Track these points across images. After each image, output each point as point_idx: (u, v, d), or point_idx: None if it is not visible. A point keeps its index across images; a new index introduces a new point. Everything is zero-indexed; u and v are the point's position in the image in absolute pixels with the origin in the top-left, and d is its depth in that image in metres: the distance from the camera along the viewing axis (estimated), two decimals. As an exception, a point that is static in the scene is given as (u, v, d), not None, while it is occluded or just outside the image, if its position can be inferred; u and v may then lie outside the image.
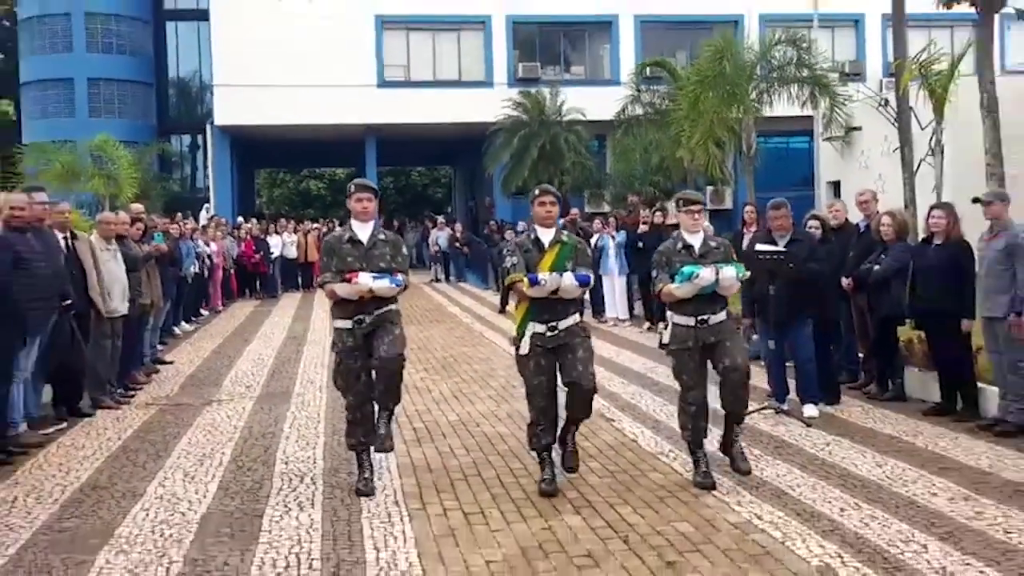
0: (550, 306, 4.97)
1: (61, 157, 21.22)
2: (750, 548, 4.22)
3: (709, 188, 21.78)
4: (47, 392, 7.30)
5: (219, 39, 25.07)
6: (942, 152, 14.14)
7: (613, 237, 13.13)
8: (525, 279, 4.91)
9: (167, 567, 4.13)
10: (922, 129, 14.48)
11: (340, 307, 5.07)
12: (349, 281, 4.93)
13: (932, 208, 7.08)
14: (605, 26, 26.60)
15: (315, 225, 23.63)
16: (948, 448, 5.90)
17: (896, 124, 14.81)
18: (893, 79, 15.60)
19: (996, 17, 15.01)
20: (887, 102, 15.34)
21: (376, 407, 5.16)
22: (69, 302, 6.94)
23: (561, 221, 7.42)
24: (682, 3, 25.16)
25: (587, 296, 8.35)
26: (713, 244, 5.30)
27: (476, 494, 5.15)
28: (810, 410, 6.75)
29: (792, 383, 6.97)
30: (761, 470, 5.46)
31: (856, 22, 26.39)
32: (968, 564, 3.96)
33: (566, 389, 5.07)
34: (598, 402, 6.06)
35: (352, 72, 24.77)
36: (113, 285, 7.83)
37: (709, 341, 5.14)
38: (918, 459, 5.65)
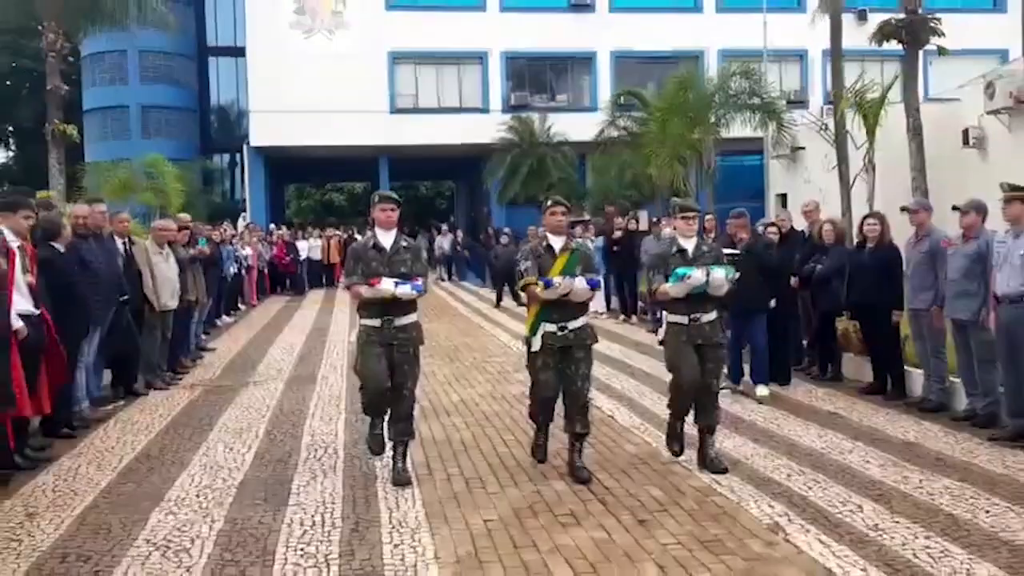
0: (560, 308, 4.72)
1: (118, 173, 21.13)
2: (711, 509, 4.22)
3: (675, 200, 21.74)
4: (107, 375, 7.27)
5: (254, 72, 24.99)
6: (874, 168, 14.16)
7: (592, 241, 13.12)
8: (539, 283, 4.68)
9: (210, 525, 4.12)
10: (857, 149, 14.51)
11: (366, 308, 4.79)
12: (372, 285, 4.66)
13: (866, 217, 7.09)
14: (586, 61, 26.56)
15: (337, 232, 23.58)
16: (880, 423, 5.91)
17: (834, 144, 14.84)
18: (832, 106, 15.62)
19: (920, 53, 15.06)
20: (827, 126, 15.34)
21: (389, 421, 4.84)
22: (126, 298, 6.92)
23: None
24: (651, 41, 25.13)
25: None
26: (705, 248, 5.08)
27: (475, 463, 5.14)
28: (761, 390, 6.75)
29: (747, 367, 6.97)
30: (720, 442, 5.45)
31: (800, 57, 26.38)
32: (897, 522, 3.97)
33: (566, 403, 4.80)
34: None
35: (368, 100, 24.71)
36: (164, 284, 7.80)
37: (698, 343, 4.89)
38: (854, 432, 5.66)
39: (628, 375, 7.94)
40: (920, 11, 14.52)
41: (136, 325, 7.19)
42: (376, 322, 4.74)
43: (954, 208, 5.89)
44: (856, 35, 17.72)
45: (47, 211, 6.30)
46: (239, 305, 14.96)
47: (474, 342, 10.61)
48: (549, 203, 4.95)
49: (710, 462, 4.84)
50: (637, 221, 13.40)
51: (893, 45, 14.86)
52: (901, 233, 6.75)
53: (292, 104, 23.76)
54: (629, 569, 3.52)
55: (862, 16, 21.66)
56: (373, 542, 3.85)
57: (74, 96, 27.50)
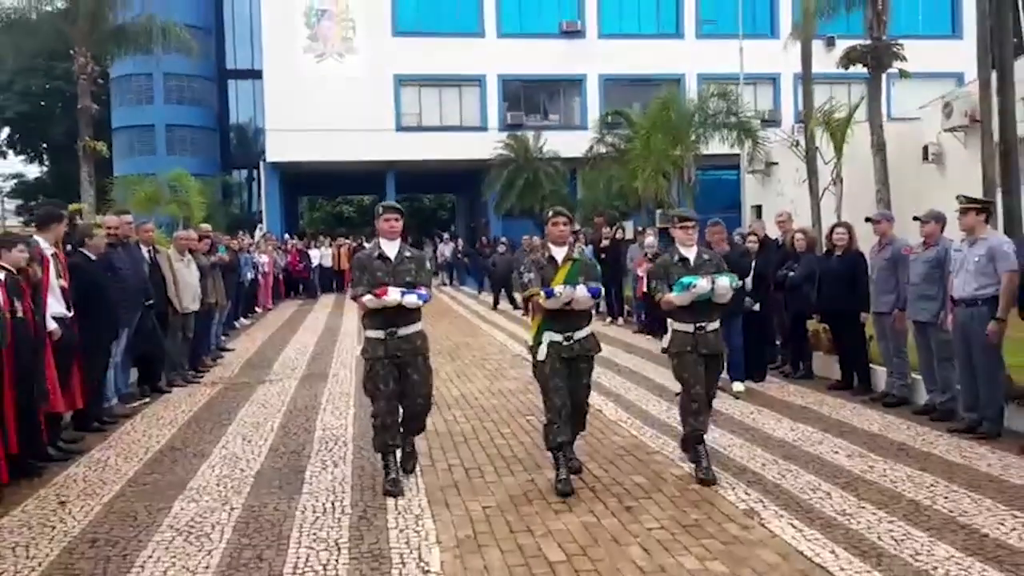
0: (564, 318, 4.42)
1: (144, 187, 21.08)
2: (691, 496, 4.22)
3: (658, 211, 21.80)
4: (133, 373, 7.25)
5: (270, 93, 25.00)
6: (841, 182, 14.22)
7: (582, 250, 13.12)
8: (541, 293, 4.39)
9: (229, 512, 4.11)
10: (825, 164, 14.56)
11: (371, 318, 4.45)
12: (379, 296, 4.35)
13: (835, 226, 7.10)
14: (576, 83, 26.63)
15: (347, 241, 23.58)
16: (847, 416, 5.91)
17: (805, 160, 14.89)
18: (803, 125, 15.69)
19: (884, 76, 15.15)
20: (798, 143, 15.42)
21: (401, 419, 4.56)
22: (151, 302, 6.90)
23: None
24: (637, 65, 25.21)
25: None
26: (706, 257, 4.77)
27: (474, 454, 5.13)
28: (738, 386, 6.75)
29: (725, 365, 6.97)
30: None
31: (774, 80, 26.49)
32: (863, 507, 3.97)
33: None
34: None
35: (376, 119, 24.74)
36: (186, 288, 7.78)
37: (703, 352, 4.59)
38: (823, 424, 5.66)
39: (615, 372, 7.94)
40: (884, 38, 14.63)
41: (160, 327, 7.17)
42: (380, 334, 4.42)
43: (916, 218, 5.91)
44: (825, 60, 17.84)
45: (78, 222, 6.31)
46: (256, 308, 14.92)
47: (473, 342, 10.60)
48: (551, 214, 4.68)
49: (702, 471, 4.46)
50: (623, 231, 13.41)
51: (859, 69, 14.97)
52: (866, 242, 6.77)
53: (305, 123, 23.79)
54: (616, 551, 3.51)
55: (830, 43, 21.76)
56: (380, 527, 3.85)
57: (104, 115, 27.50)
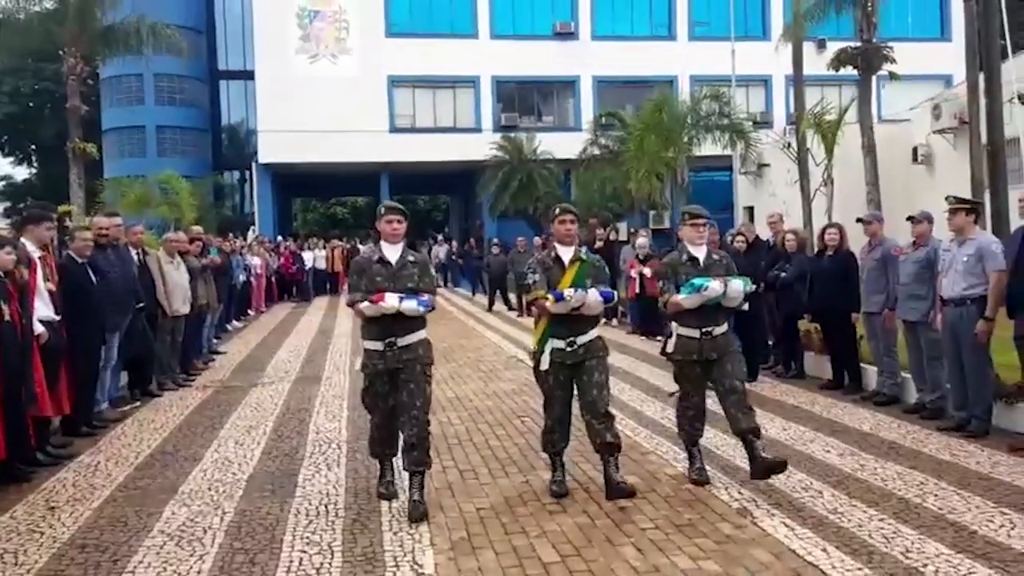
0: (570, 322, 4.14)
1: (135, 189, 21.04)
2: (684, 495, 4.23)
3: (651, 212, 21.84)
4: (124, 377, 7.21)
5: (263, 94, 24.92)
6: (832, 183, 14.29)
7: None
8: (549, 296, 4.10)
9: (221, 516, 4.09)
10: (817, 165, 14.63)
11: (368, 327, 4.13)
12: (375, 302, 4.01)
13: (826, 227, 7.14)
14: (570, 84, 26.67)
15: (340, 243, 23.53)
16: (838, 415, 5.94)
17: (796, 161, 14.96)
18: (794, 126, 15.78)
19: (874, 78, 15.25)
20: (789, 144, 15.49)
21: (402, 449, 4.14)
22: (141, 305, 6.86)
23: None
24: (630, 67, 25.28)
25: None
26: (716, 257, 4.48)
27: (468, 455, 5.13)
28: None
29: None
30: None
31: (765, 81, 26.60)
32: (854, 506, 3.99)
33: (586, 415, 4.21)
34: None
35: (369, 120, 24.70)
36: (176, 291, 7.74)
37: (711, 357, 4.32)
38: (815, 423, 5.69)
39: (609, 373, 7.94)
40: (874, 40, 14.72)
41: (151, 330, 7.13)
42: (379, 345, 4.08)
43: (909, 218, 5.95)
44: (816, 62, 17.90)
45: (69, 224, 6.27)
46: (248, 311, 14.87)
47: (468, 343, 10.59)
48: (557, 211, 4.34)
49: (762, 462, 4.12)
50: (617, 232, 13.44)
51: (849, 71, 15.06)
52: (856, 242, 6.81)
53: (298, 124, 23.72)
54: (610, 551, 3.52)
55: (821, 45, 21.85)
56: (374, 530, 3.84)
57: (93, 116, 27.36)
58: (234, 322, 13.04)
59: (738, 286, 4.28)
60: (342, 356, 9.59)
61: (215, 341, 10.45)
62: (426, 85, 25.82)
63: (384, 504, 4.18)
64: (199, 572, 3.42)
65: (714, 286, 4.21)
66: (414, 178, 29.42)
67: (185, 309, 7.92)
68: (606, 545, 3.59)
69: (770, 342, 7.93)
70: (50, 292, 5.27)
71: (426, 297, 4.13)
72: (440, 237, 26.31)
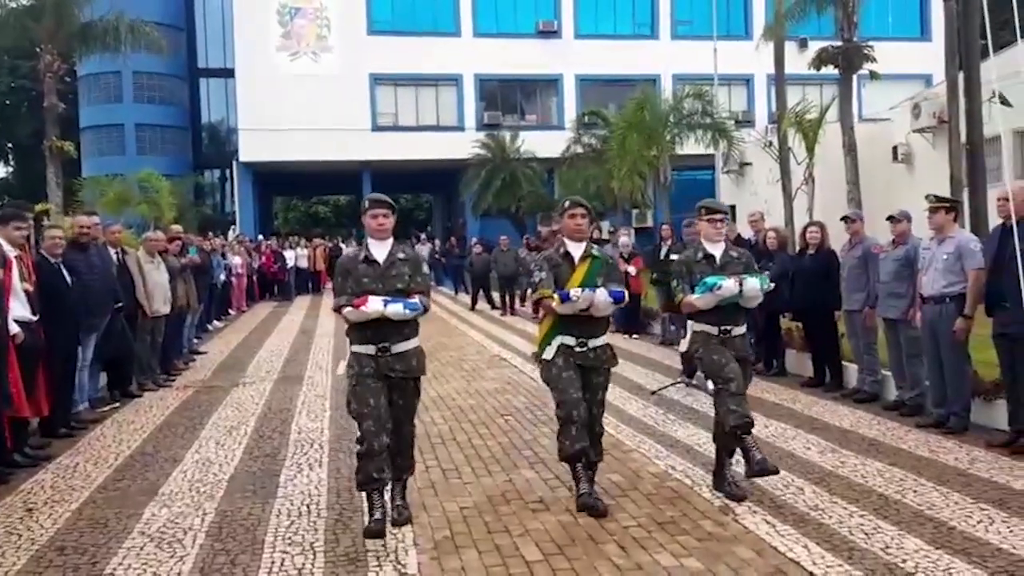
0: (579, 323, 3.86)
1: (114, 188, 20.80)
2: (667, 493, 4.25)
3: (635, 211, 21.95)
4: (103, 377, 7.12)
5: (243, 92, 24.72)
6: (813, 182, 14.44)
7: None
8: (555, 295, 3.83)
9: (202, 517, 4.05)
10: (798, 164, 14.76)
11: (356, 332, 3.73)
12: (357, 306, 3.61)
13: (807, 225, 7.21)
14: (552, 83, 26.72)
15: (322, 241, 23.41)
16: (819, 412, 6.00)
17: (778, 160, 15.09)
18: (776, 125, 15.91)
19: (854, 77, 15.43)
20: (771, 143, 15.63)
21: (388, 455, 3.77)
22: (120, 305, 6.78)
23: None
24: (612, 65, 25.39)
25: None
26: (734, 255, 4.20)
27: (451, 454, 5.12)
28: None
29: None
30: (674, 431, 5.51)
31: (747, 81, 26.83)
32: (835, 502, 4.03)
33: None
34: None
35: (351, 118, 24.60)
36: (155, 290, 7.67)
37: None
38: (796, 420, 5.73)
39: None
40: (855, 39, 14.88)
41: (130, 330, 7.05)
42: (370, 349, 3.68)
43: (890, 218, 6.02)
44: (797, 61, 18.09)
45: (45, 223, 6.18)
46: (229, 311, 14.74)
47: (450, 342, 10.57)
48: (567, 204, 4.01)
49: (757, 464, 3.97)
50: (600, 230, 13.47)
51: (830, 70, 15.22)
52: (836, 241, 6.88)
53: (279, 122, 23.57)
54: (593, 549, 3.53)
55: (803, 44, 22.08)
56: (356, 530, 3.82)
57: (71, 114, 27.00)
58: (215, 322, 12.93)
59: (755, 285, 4.02)
60: (324, 356, 9.55)
61: (196, 341, 10.36)
62: (408, 83, 25.76)
63: (366, 503, 4.16)
64: (179, 574, 3.39)
65: (728, 285, 3.97)
66: (396, 177, 29.30)
67: (165, 309, 7.84)
68: (589, 543, 3.60)
69: (752, 340, 7.99)
70: (27, 292, 5.19)
71: (415, 299, 3.69)
72: (423, 236, 26.25)
